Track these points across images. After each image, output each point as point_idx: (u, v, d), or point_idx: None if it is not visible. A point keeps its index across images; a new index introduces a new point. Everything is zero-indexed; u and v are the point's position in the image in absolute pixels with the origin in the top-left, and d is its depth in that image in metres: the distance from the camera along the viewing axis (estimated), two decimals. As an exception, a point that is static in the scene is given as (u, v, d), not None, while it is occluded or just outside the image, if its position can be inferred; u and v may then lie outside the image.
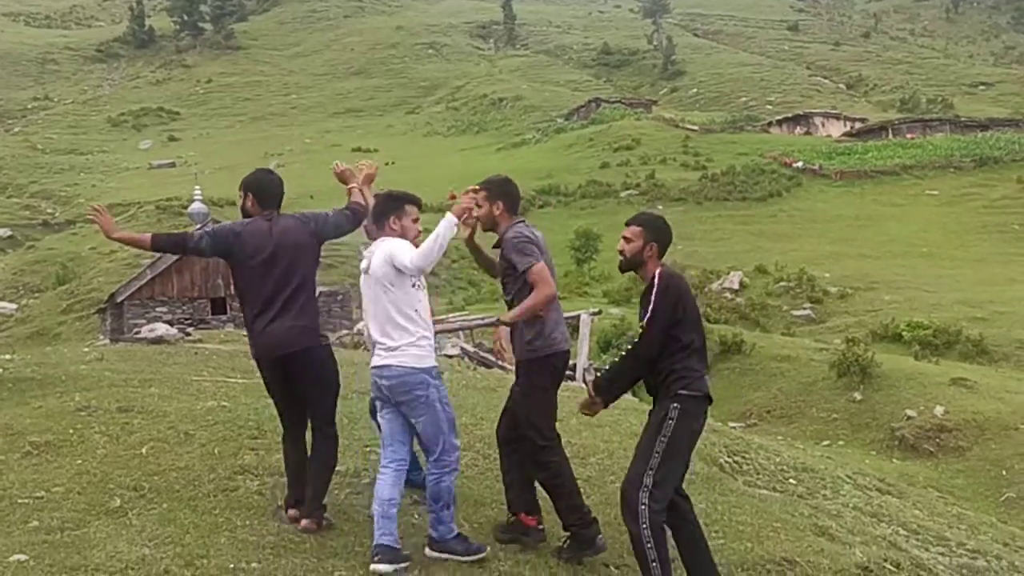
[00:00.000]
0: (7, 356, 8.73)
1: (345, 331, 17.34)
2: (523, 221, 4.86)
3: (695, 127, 68.12)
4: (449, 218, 4.42)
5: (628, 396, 15.30)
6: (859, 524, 6.81)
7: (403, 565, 4.25)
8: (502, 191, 4.85)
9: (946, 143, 60.84)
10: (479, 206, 4.80)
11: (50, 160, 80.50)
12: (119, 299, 23.51)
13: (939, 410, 17.71)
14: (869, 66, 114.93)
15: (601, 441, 7.45)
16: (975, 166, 55.31)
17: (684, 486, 4.73)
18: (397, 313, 4.45)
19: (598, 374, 5.09)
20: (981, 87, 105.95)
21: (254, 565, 4.07)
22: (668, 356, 4.46)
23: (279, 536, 4.41)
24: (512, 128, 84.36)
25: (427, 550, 4.45)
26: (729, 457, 8.30)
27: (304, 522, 4.55)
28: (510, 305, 4.78)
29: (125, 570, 3.93)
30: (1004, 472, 15.11)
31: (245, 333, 5.25)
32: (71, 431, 5.94)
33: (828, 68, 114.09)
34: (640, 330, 4.46)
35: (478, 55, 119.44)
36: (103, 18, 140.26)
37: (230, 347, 10.77)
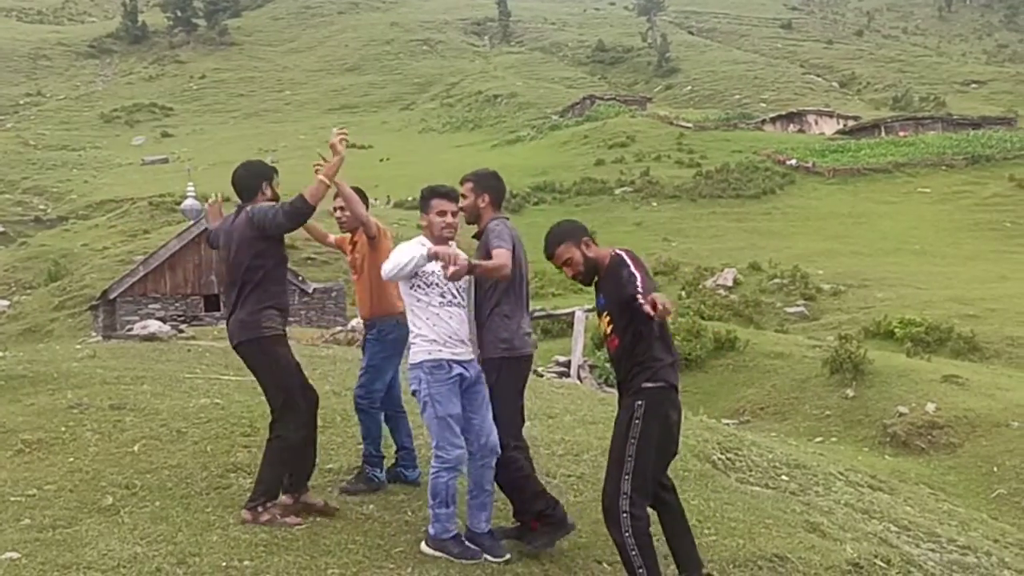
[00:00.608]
0: (-1, 353, 8.70)
1: (339, 328, 17.32)
2: (506, 219, 4.86)
3: (689, 124, 68.12)
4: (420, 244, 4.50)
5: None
6: (850, 520, 6.84)
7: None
8: (488, 184, 4.86)
9: (938, 141, 60.94)
10: (464, 197, 4.79)
11: (42, 156, 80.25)
12: (112, 296, 23.44)
13: (931, 407, 17.71)
14: (862, 64, 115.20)
15: (595, 438, 7.46)
16: (967, 164, 55.42)
17: (677, 483, 4.72)
18: (408, 311, 4.62)
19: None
20: (973, 85, 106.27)
21: (246, 563, 4.07)
22: (631, 348, 4.37)
23: (271, 534, 4.41)
24: (507, 125, 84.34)
25: (423, 545, 4.46)
26: (722, 454, 8.32)
27: (242, 512, 4.58)
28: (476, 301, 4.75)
29: (117, 568, 3.93)
30: (995, 469, 15.10)
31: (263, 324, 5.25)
32: (63, 429, 5.95)
33: (821, 66, 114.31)
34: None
35: (473, 52, 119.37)
36: (96, 14, 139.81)
37: (223, 344, 10.72)
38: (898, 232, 44.32)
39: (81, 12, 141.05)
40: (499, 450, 4.51)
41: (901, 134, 65.01)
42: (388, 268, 4.43)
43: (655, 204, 50.67)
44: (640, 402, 4.28)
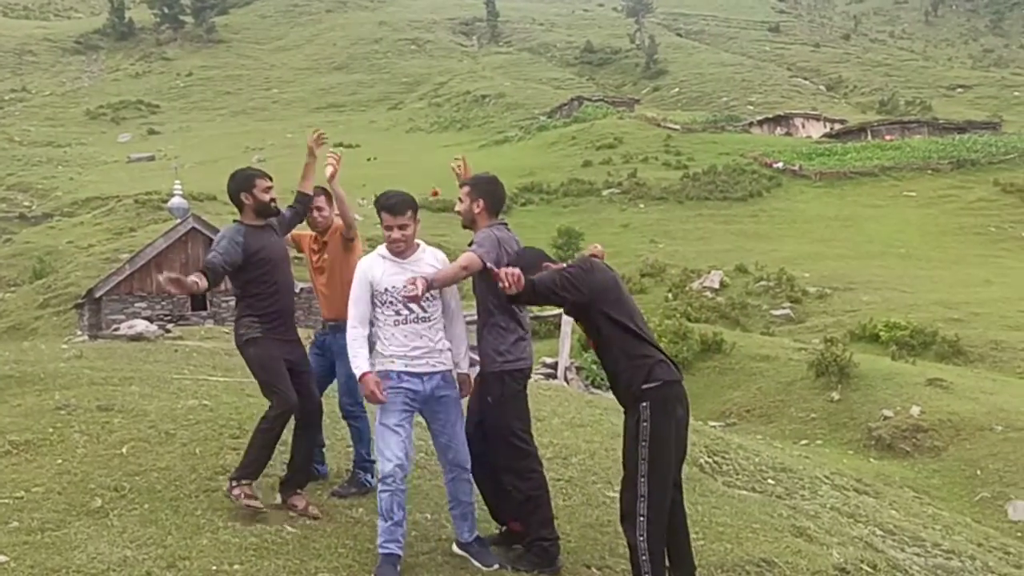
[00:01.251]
0: (-16, 353, 8.64)
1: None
2: (504, 224, 4.85)
3: (677, 126, 68.30)
4: None
5: (608, 395, 15.35)
6: (836, 525, 6.89)
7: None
8: (485, 190, 4.82)
9: (924, 145, 61.31)
10: (460, 201, 4.80)
11: (27, 152, 79.74)
12: (97, 294, 23.31)
13: (915, 410, 17.83)
14: (849, 68, 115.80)
15: (583, 441, 7.49)
16: (952, 168, 55.76)
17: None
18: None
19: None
20: (959, 90, 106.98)
21: (236, 567, 4.07)
22: (611, 345, 4.37)
23: (261, 538, 4.41)
24: (495, 125, 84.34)
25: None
26: (709, 457, 8.37)
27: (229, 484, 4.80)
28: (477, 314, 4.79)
29: (107, 572, 3.92)
30: (978, 472, 15.23)
31: (226, 330, 5.37)
32: (51, 430, 5.91)
33: (808, 69, 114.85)
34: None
35: (461, 52, 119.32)
36: (82, 9, 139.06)
37: (211, 344, 10.72)
38: (884, 236, 44.57)
39: (67, 8, 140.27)
40: (467, 465, 4.50)
41: (887, 138, 65.37)
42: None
43: (642, 206, 50.79)
44: (645, 403, 4.26)
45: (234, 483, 4.74)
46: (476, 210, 4.75)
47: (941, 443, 16.71)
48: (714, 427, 14.05)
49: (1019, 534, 12.62)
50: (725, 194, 51.83)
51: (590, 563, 4.74)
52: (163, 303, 23.40)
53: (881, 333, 27.99)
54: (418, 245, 4.56)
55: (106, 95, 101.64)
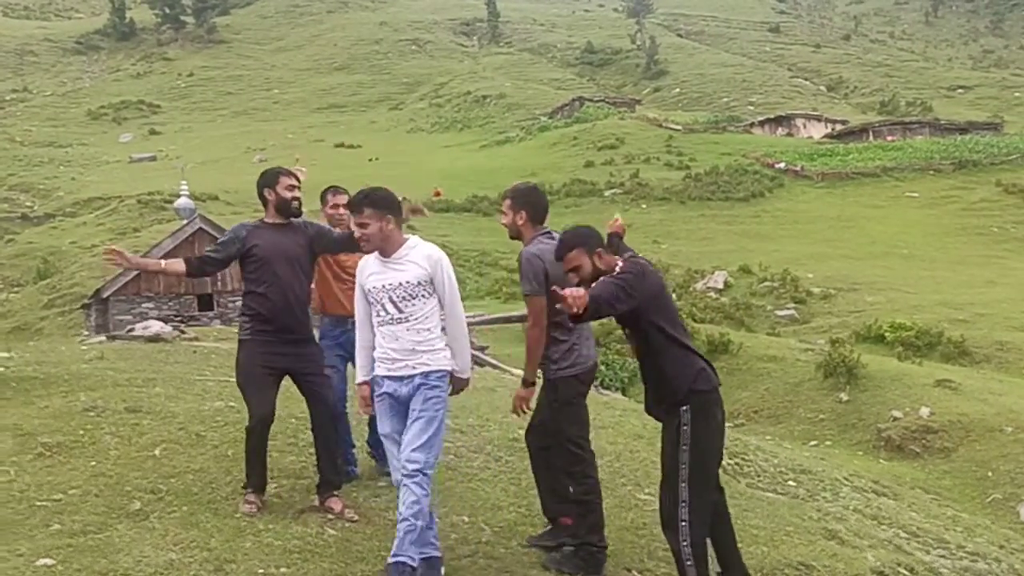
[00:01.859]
0: (5, 354, 8.63)
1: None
2: (548, 232, 4.86)
3: (678, 127, 68.30)
4: None
5: (623, 398, 15.33)
6: (863, 527, 6.89)
7: None
8: (527, 200, 4.84)
9: (926, 146, 61.28)
10: (503, 214, 4.82)
11: (29, 152, 79.72)
12: (105, 294, 23.29)
13: (925, 411, 17.82)
14: (849, 68, 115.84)
15: (607, 443, 7.48)
16: (954, 169, 55.75)
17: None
18: None
19: None
20: (959, 90, 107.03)
21: (283, 570, 4.07)
22: (658, 353, 4.35)
23: (304, 540, 4.41)
24: (496, 126, 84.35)
25: None
26: (730, 459, 8.36)
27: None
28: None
29: (154, 575, 3.92)
30: (990, 473, 15.21)
31: (238, 330, 5.43)
32: (81, 432, 5.91)
33: (809, 70, 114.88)
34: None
35: (462, 52, 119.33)
36: (83, 10, 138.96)
37: (227, 345, 10.71)
38: (887, 236, 44.58)
39: (68, 8, 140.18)
40: (409, 470, 4.18)
41: (889, 139, 65.36)
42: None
43: (644, 206, 50.79)
44: (685, 407, 4.25)
45: (244, 491, 4.89)
46: (520, 222, 4.80)
47: (951, 444, 16.69)
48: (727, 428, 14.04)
49: (1013, 532, 12.64)
50: (727, 194, 51.83)
51: (630, 566, 4.74)
52: (170, 303, 23.40)
53: (886, 334, 27.94)
54: (406, 241, 4.43)
55: (107, 95, 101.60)
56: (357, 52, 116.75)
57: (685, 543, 4.15)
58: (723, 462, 8.29)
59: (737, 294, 35.41)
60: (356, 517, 4.88)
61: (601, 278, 4.32)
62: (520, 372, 16.62)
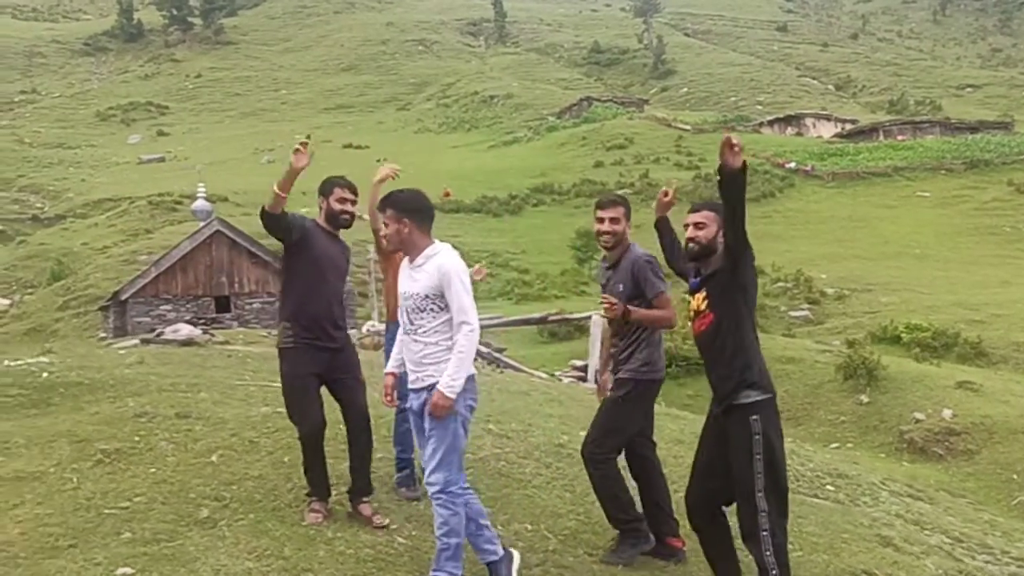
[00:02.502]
0: (45, 359, 8.67)
1: (366, 331, 17.30)
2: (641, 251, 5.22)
3: (687, 127, 68.24)
4: None
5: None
6: (910, 533, 6.87)
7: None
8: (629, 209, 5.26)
9: (937, 145, 61.17)
10: (615, 221, 5.04)
11: (38, 154, 79.95)
12: (123, 296, 23.36)
13: (947, 413, 17.78)
14: (857, 67, 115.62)
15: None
16: (966, 168, 55.64)
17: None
18: None
19: None
20: (968, 89, 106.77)
21: (360, 578, 4.08)
22: (729, 331, 4.35)
23: (375, 549, 4.43)
24: (504, 126, 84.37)
25: None
26: (770, 463, 8.35)
27: None
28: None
29: (235, 584, 3.94)
30: (1015, 476, 15.17)
31: (265, 333, 5.49)
32: (136, 438, 5.93)
33: (817, 69, 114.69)
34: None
35: (469, 52, 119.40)
36: (91, 11, 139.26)
37: (259, 349, 10.75)
38: (899, 236, 44.49)
39: (76, 9, 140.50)
40: (431, 493, 4.20)
41: (899, 138, 65.24)
42: None
43: (655, 206, 50.70)
44: (755, 417, 4.24)
45: (307, 499, 4.93)
46: (628, 230, 5.10)
47: (974, 446, 16.65)
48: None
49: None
50: (738, 195, 51.74)
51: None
52: (188, 305, 23.47)
53: (902, 335, 27.86)
54: (428, 247, 4.34)
55: (115, 97, 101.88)
56: (364, 53, 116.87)
57: (768, 553, 4.13)
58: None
59: (751, 295, 35.37)
60: (387, 522, 4.88)
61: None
62: (541, 374, 16.61)
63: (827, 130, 72.57)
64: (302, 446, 4.94)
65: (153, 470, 5.37)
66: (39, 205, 62.65)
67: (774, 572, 4.12)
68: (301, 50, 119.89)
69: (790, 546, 5.26)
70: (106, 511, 4.72)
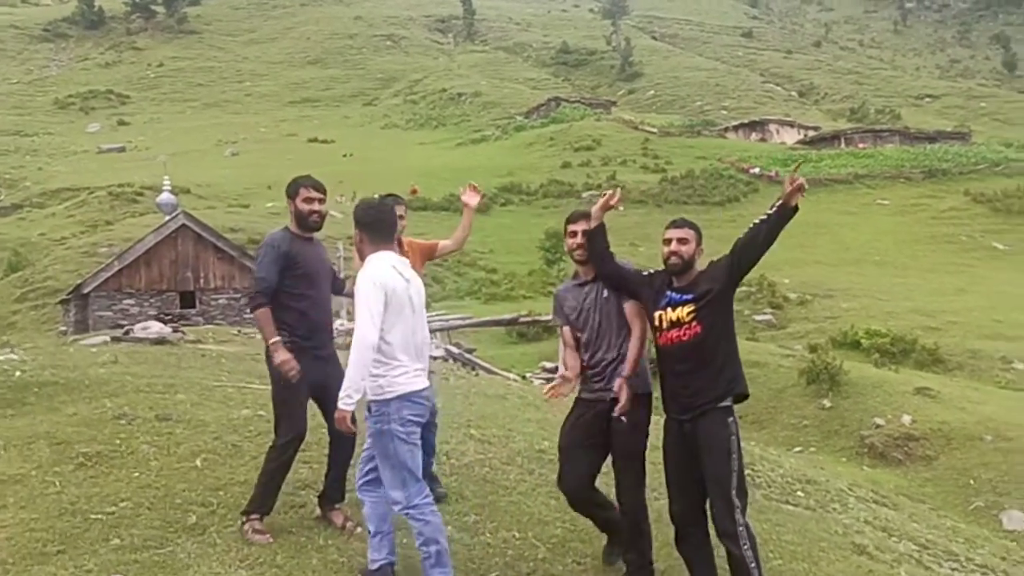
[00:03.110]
0: (14, 356, 8.54)
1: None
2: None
3: (654, 130, 68.70)
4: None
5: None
6: (880, 540, 7.02)
7: None
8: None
9: (896, 154, 62.24)
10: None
11: (-6, 141, 78.39)
12: (85, 290, 22.98)
13: (907, 419, 18.15)
14: (820, 75, 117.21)
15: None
16: (924, 177, 56.71)
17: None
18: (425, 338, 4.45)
19: None
20: (927, 99, 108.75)
21: (354, 588, 4.09)
22: (716, 340, 4.47)
23: (367, 557, 4.42)
24: (471, 124, 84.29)
25: None
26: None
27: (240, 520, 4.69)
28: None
29: (229, 593, 3.93)
30: (971, 481, 15.53)
31: (235, 331, 5.37)
32: (117, 441, 5.88)
33: (781, 75, 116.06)
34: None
35: (437, 49, 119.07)
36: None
37: (232, 348, 10.67)
38: (859, 243, 45.22)
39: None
40: (397, 512, 4.20)
41: (860, 146, 66.26)
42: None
43: (622, 209, 50.59)
44: (731, 419, 4.42)
45: (243, 518, 4.64)
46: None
47: (933, 452, 17.03)
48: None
49: (1014, 543, 12.91)
50: (703, 198, 52.30)
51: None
52: (152, 300, 23.15)
53: (862, 340, 28.30)
54: (367, 259, 4.37)
55: (75, 84, 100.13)
56: (331, 46, 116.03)
57: (746, 547, 4.25)
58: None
59: (714, 298, 35.70)
60: (358, 529, 4.81)
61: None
62: (513, 375, 16.59)
63: (790, 136, 73.49)
64: (279, 451, 4.77)
65: (137, 474, 5.33)
66: (-5, 193, 61.37)
67: (752, 565, 4.23)
68: (266, 41, 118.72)
69: (770, 554, 5.38)
70: (92, 516, 4.68)
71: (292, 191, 4.96)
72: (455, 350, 16.79)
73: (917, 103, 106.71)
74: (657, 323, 4.53)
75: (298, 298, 4.84)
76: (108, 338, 10.85)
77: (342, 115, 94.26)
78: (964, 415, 18.34)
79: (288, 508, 5.02)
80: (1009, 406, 19.67)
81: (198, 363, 9.26)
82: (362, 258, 4.41)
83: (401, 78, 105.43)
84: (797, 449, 18.21)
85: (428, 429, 5.53)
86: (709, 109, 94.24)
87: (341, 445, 5.01)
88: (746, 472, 8.54)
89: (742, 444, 4.62)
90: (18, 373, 7.63)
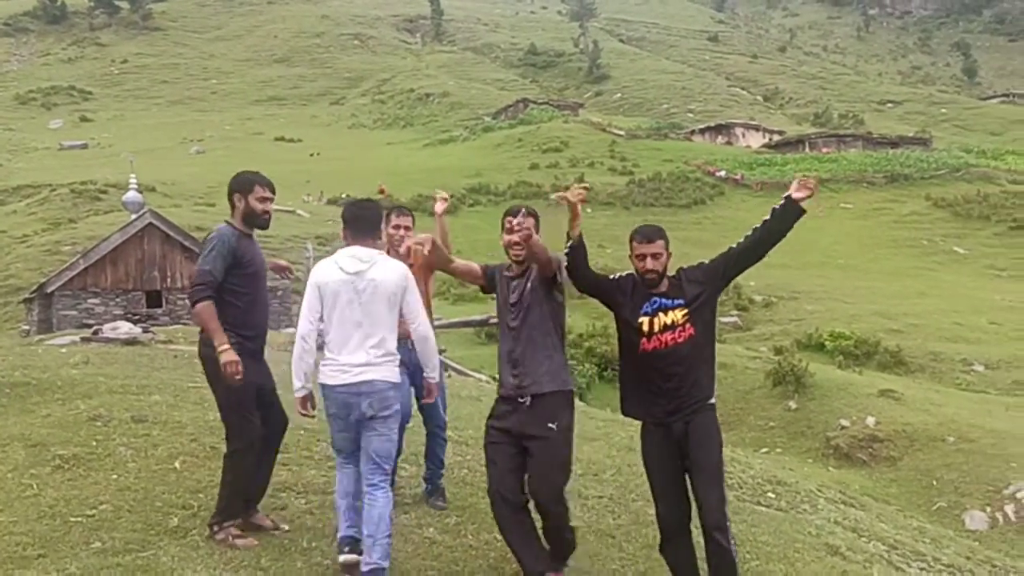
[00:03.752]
0: (-18, 356, 8.41)
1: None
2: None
3: (622, 132, 69.07)
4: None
5: (583, 404, 15.51)
6: (851, 540, 7.14)
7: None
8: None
9: (859, 159, 63.12)
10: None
11: (-48, 136, 76.92)
12: (49, 289, 22.63)
13: (871, 420, 18.45)
14: (785, 80, 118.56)
15: (604, 456, 7.62)
16: (886, 182, 57.58)
17: None
18: (389, 331, 4.43)
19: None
20: (889, 105, 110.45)
21: (340, 591, 4.10)
22: (705, 343, 4.54)
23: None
24: (439, 124, 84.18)
25: None
26: (715, 471, 8.57)
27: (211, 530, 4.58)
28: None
29: (215, 597, 3.92)
30: (934, 482, 15.84)
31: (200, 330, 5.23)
32: (93, 443, 5.83)
33: (746, 80, 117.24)
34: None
35: (405, 49, 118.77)
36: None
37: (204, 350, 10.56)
38: (824, 246, 45.76)
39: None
40: None
41: (824, 150, 67.12)
42: (423, 333, 4.64)
43: (590, 210, 51.16)
44: (714, 414, 4.52)
45: (216, 528, 4.53)
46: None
47: (896, 453, 17.34)
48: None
49: (977, 543, 13.17)
50: (670, 201, 52.67)
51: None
52: (117, 299, 22.86)
53: (827, 343, 28.69)
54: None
55: (36, 80, 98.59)
56: (298, 45, 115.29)
57: (733, 541, 4.31)
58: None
59: (681, 300, 35.97)
60: (287, 527, 4.81)
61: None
62: (484, 376, 16.48)
63: (755, 140, 74.25)
64: (242, 456, 4.66)
65: (115, 477, 5.29)
66: (-47, 190, 60.12)
67: (735, 559, 4.32)
68: (232, 39, 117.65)
69: (747, 555, 5.47)
70: (72, 519, 4.64)
71: (245, 187, 4.83)
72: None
73: (879, 108, 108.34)
74: (646, 328, 4.48)
75: (242, 296, 4.71)
76: (78, 338, 10.71)
77: (309, 114, 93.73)
78: (927, 417, 18.69)
79: (269, 511, 5.01)
80: (970, 408, 20.09)
81: (171, 364, 9.18)
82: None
83: (369, 77, 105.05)
84: (764, 450, 18.44)
85: (435, 442, 5.56)
86: (676, 112, 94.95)
87: (277, 443, 5.00)
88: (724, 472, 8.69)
89: None
90: (-11, 374, 7.52)
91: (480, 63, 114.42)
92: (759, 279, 38.26)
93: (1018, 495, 14.55)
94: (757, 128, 77.84)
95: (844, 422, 18.74)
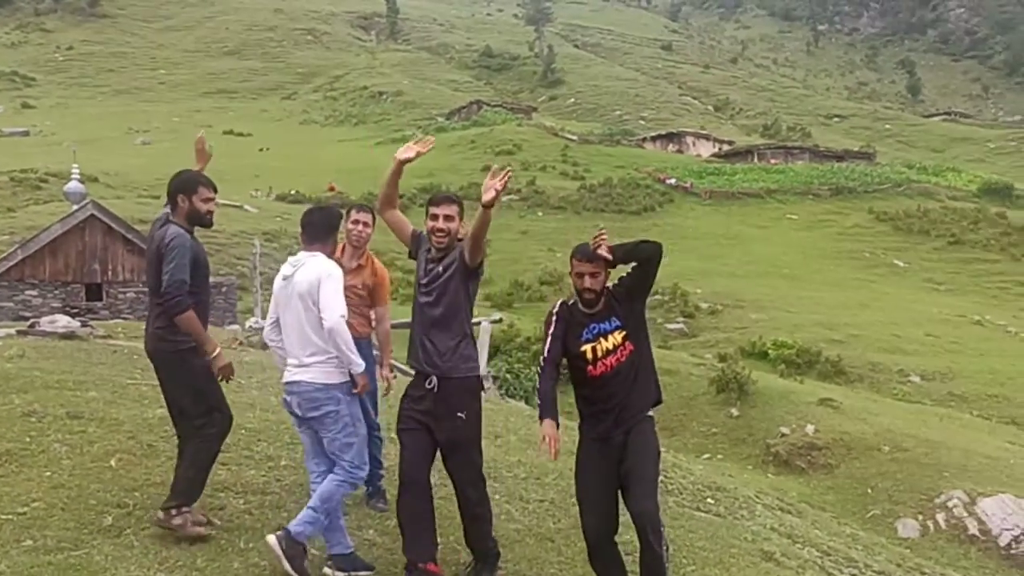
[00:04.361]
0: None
1: (249, 328, 16.91)
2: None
3: (574, 137, 69.43)
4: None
5: (529, 407, 15.56)
6: (786, 547, 7.28)
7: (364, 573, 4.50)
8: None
9: (806, 171, 64.29)
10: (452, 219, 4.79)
11: None
12: (-16, 280, 22.00)
13: (810, 428, 18.81)
14: (735, 91, 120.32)
15: (547, 460, 7.65)
16: (831, 194, 58.73)
17: None
18: (313, 331, 4.49)
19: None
20: (836, 119, 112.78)
21: (277, 592, 4.07)
22: (641, 360, 4.61)
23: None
24: (392, 123, 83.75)
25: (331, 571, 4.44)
26: (656, 476, 8.67)
27: (158, 512, 4.55)
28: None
29: (150, 597, 3.87)
30: (869, 490, 16.19)
31: (144, 326, 5.23)
32: (27, 439, 5.71)
33: (698, 89, 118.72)
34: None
35: (359, 46, 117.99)
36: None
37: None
38: (769, 256, 46.48)
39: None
40: None
41: (772, 161, 68.26)
42: (338, 327, 4.50)
43: (540, 214, 51.46)
44: (653, 424, 4.60)
45: (174, 511, 4.49)
46: (459, 228, 4.83)
47: (834, 461, 17.69)
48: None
49: (908, 550, 13.49)
50: (620, 207, 53.07)
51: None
52: (56, 291, 22.30)
53: (770, 351, 29.18)
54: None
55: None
56: (250, 38, 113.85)
57: (666, 547, 4.39)
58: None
59: (628, 306, 36.27)
60: (216, 523, 4.79)
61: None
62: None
63: (706, 149, 75.21)
64: (213, 441, 4.72)
65: (48, 473, 5.18)
66: None
67: (668, 563, 4.42)
68: (183, 29, 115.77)
69: (683, 560, 5.55)
70: (2, 516, 4.54)
71: (188, 188, 4.79)
72: (376, 353, 16.66)
73: (826, 122, 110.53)
74: (589, 355, 4.51)
75: (195, 296, 4.70)
76: (13, 331, 10.46)
77: (260, 108, 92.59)
78: (864, 426, 19.10)
79: (207, 510, 4.94)
80: (905, 418, 20.59)
81: (109, 359, 9.00)
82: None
83: (321, 73, 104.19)
84: (706, 456, 18.70)
85: (371, 443, 5.55)
86: (628, 119, 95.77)
87: (222, 441, 4.98)
88: (659, 479, 8.78)
89: None
90: (-82, 366, 7.31)
91: (434, 63, 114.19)
92: (705, 287, 38.79)
93: (949, 504, 14.93)
94: (707, 137, 78.87)
95: (784, 430, 19.09)
